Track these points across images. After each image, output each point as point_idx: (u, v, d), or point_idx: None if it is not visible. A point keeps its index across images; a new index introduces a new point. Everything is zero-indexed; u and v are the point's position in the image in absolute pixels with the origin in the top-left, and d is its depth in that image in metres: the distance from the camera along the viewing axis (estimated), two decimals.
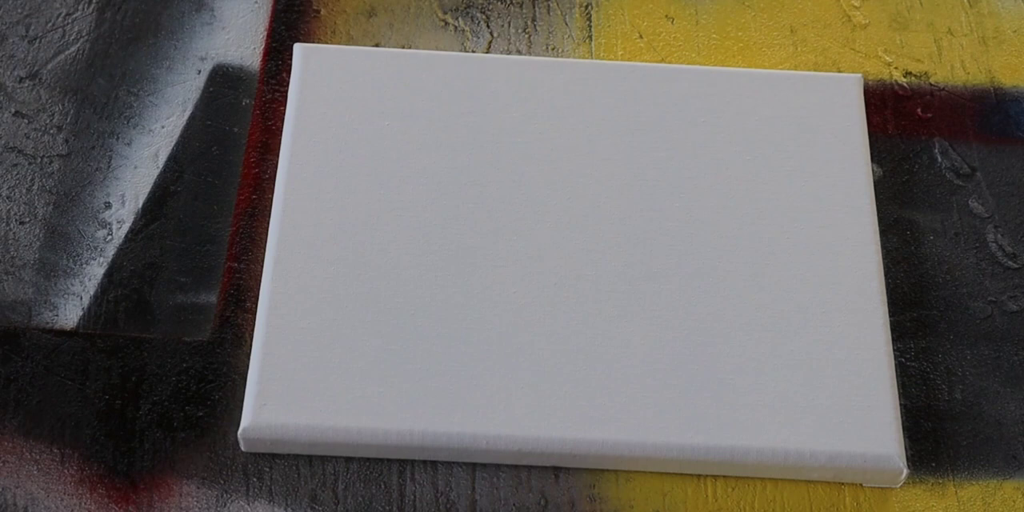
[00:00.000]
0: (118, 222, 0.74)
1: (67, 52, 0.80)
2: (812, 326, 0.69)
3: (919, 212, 0.76)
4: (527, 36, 0.82)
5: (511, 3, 0.83)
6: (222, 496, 0.66)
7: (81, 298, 0.71)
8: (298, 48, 0.77)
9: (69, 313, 0.71)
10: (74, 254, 0.73)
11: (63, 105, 0.78)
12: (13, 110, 0.78)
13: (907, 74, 0.81)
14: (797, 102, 0.76)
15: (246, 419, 0.65)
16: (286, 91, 0.78)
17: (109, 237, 0.73)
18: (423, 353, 0.67)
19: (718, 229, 0.72)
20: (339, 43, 0.81)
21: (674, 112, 0.75)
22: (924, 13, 0.84)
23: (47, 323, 0.70)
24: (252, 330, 0.70)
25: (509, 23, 0.82)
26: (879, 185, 0.77)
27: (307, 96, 0.75)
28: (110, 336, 0.70)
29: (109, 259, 0.73)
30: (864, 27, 0.83)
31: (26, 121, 0.77)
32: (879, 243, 0.72)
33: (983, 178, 0.78)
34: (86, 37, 0.80)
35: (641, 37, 0.82)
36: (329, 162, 0.73)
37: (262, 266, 0.71)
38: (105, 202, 0.74)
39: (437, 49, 0.81)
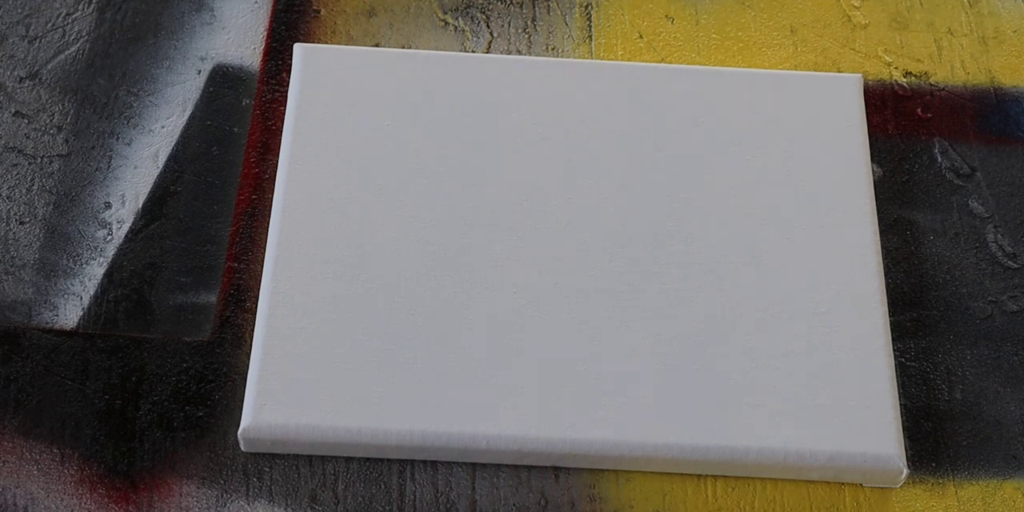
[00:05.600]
0: (118, 222, 0.74)
1: (67, 52, 0.80)
2: (812, 326, 0.69)
3: (919, 212, 0.76)
4: (527, 36, 0.82)
5: (511, 3, 0.83)
6: (222, 496, 0.66)
7: (81, 298, 0.71)
8: (298, 48, 0.77)
9: (69, 313, 0.71)
10: (74, 254, 0.73)
11: (63, 105, 0.78)
12: (13, 110, 0.78)
13: (907, 74, 0.81)
14: (797, 102, 0.76)
15: (246, 419, 0.65)
16: (286, 91, 0.78)
17: (109, 237, 0.73)
18: (423, 353, 0.67)
19: (718, 229, 0.72)
20: (339, 43, 0.81)
21: (674, 112, 0.75)
22: (924, 13, 0.84)
23: (47, 323, 0.70)
24: (252, 330, 0.70)
25: (509, 23, 0.82)
26: (879, 185, 0.77)
27: (307, 96, 0.75)
28: (110, 336, 0.70)
29: (109, 259, 0.73)
30: (864, 27, 0.83)
31: (26, 121, 0.77)
32: (879, 243, 0.72)
33: (983, 178, 0.78)
34: (86, 37, 0.80)
35: (641, 37, 0.82)
36: (329, 162, 0.73)
37: (262, 266, 0.71)
38: (105, 202, 0.74)
39: (437, 49, 0.81)
